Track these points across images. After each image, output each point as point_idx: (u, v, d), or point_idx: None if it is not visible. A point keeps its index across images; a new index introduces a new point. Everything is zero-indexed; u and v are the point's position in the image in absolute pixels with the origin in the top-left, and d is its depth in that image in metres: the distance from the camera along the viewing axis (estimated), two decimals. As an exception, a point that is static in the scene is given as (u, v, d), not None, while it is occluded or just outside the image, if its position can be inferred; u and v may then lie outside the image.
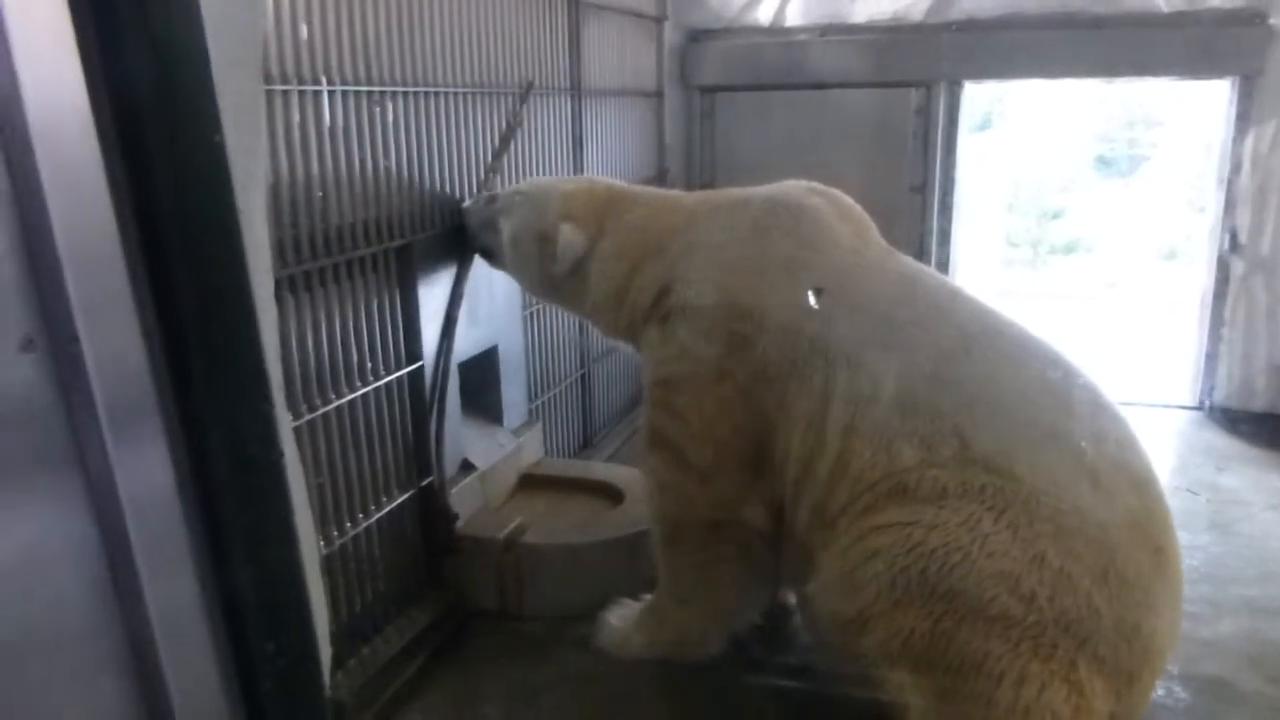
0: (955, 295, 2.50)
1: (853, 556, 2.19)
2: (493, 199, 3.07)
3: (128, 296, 0.75)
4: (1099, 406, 2.29)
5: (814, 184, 2.70)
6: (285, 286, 2.32)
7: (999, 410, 2.21)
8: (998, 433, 2.17)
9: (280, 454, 0.81)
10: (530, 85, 3.44)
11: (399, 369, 2.81)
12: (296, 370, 2.38)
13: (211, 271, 0.79)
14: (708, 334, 2.52)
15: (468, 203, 3.10)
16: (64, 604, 0.75)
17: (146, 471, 0.75)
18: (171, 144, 0.75)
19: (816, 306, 2.44)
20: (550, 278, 2.94)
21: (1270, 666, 2.74)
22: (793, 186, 2.70)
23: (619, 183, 3.11)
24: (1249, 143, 4.45)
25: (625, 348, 2.97)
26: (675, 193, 3.11)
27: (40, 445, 0.73)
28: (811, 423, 2.35)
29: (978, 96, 5.18)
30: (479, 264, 3.11)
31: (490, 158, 3.27)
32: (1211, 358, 4.75)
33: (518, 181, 3.36)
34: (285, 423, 1.02)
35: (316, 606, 0.90)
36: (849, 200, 2.71)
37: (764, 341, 2.45)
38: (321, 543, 2.48)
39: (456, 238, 3.06)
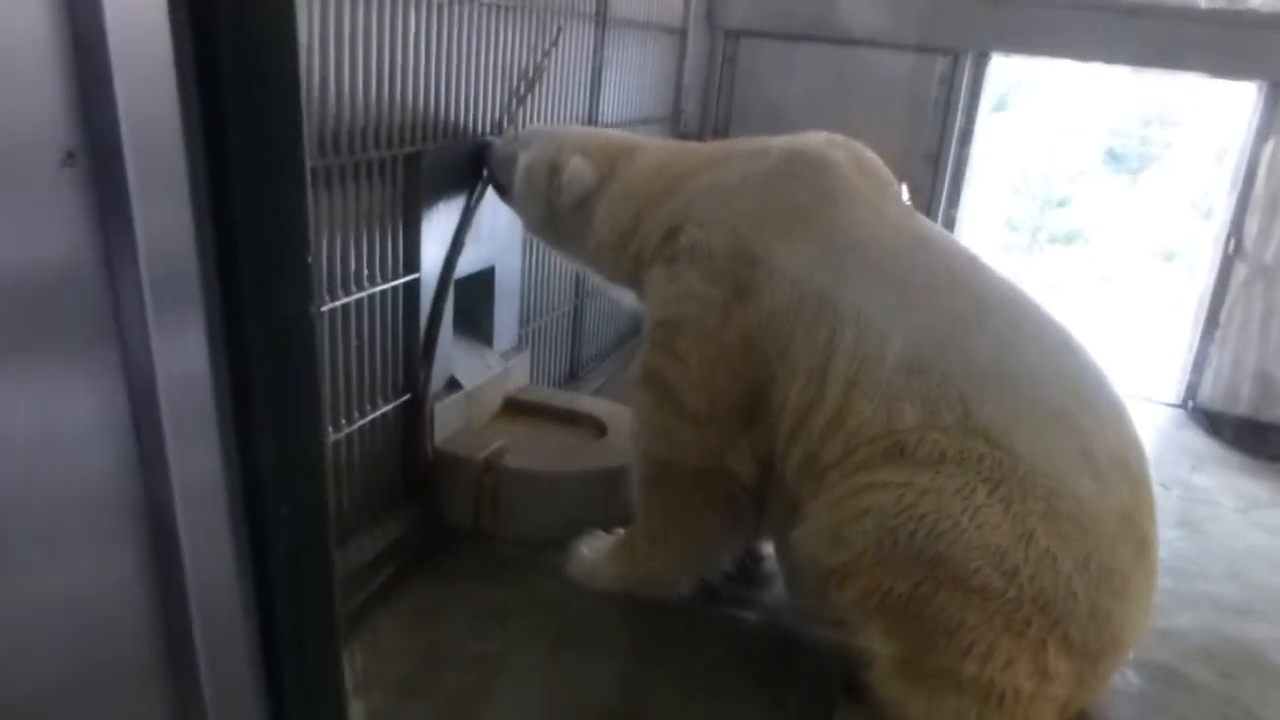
0: (973, 263, 2.47)
1: (842, 510, 2.19)
2: (515, 137, 3.05)
3: (180, 157, 0.72)
4: (1106, 395, 2.28)
5: (837, 136, 2.66)
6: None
7: (1007, 383, 2.20)
8: (1003, 405, 2.16)
9: (314, 319, 0.79)
10: (560, 30, 3.37)
11: (395, 279, 2.77)
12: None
13: (268, 133, 0.76)
14: (716, 277, 2.50)
15: (494, 140, 3.08)
16: (88, 474, 0.73)
17: (183, 336, 0.73)
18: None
19: (830, 259, 2.42)
20: (554, 213, 2.91)
21: (1222, 661, 2.80)
22: (815, 138, 2.66)
23: (641, 136, 3.11)
24: (1268, 149, 4.42)
25: (623, 295, 2.95)
26: (692, 143, 3.08)
27: (78, 306, 0.71)
28: (813, 375, 2.34)
29: (999, 74, 5.11)
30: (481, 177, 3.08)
31: (512, 91, 3.22)
32: (1200, 359, 4.77)
33: (536, 117, 3.34)
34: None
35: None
36: (872, 156, 2.66)
37: (773, 289, 2.43)
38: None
39: (469, 159, 3.02)
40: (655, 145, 2.96)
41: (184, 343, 0.74)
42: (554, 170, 2.86)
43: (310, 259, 0.79)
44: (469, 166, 3.03)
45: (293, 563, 0.77)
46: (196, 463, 0.75)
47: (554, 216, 2.93)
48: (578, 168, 2.81)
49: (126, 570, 0.73)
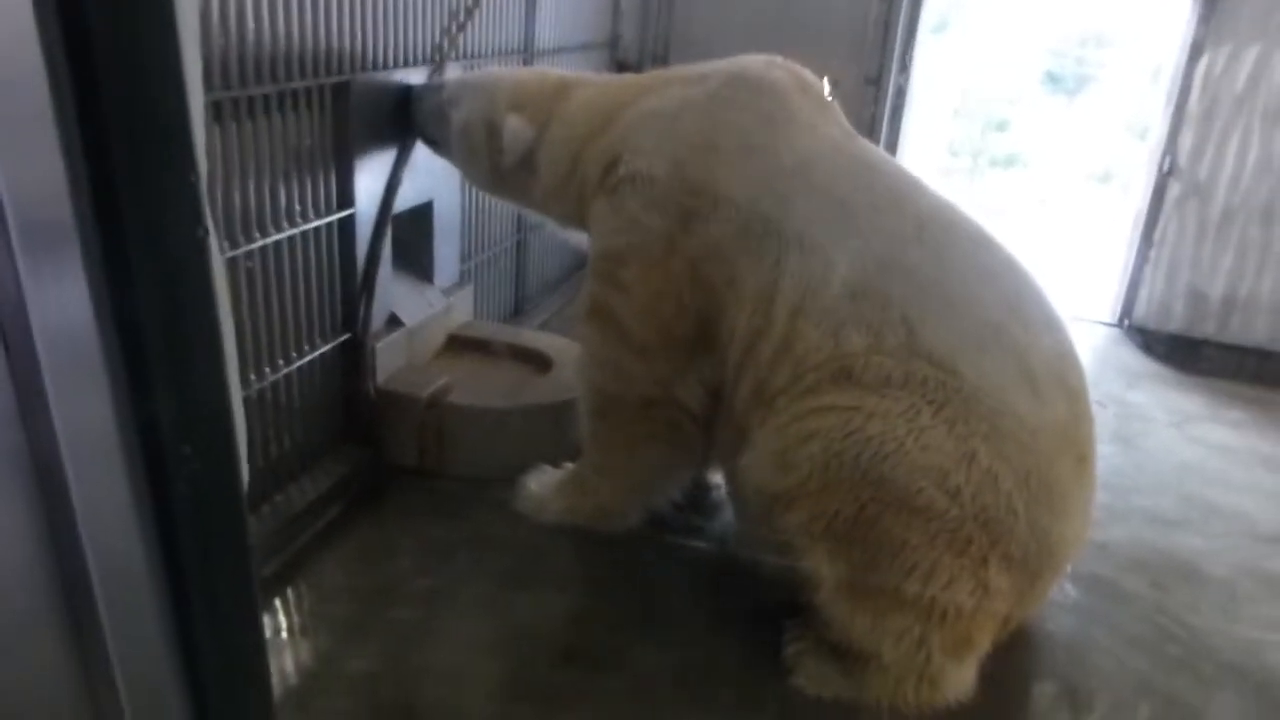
0: (915, 185, 2.46)
1: (789, 435, 2.20)
2: (440, 87, 2.93)
3: (46, 103, 0.66)
4: (1046, 314, 2.31)
5: (776, 58, 2.62)
6: (210, 114, 2.18)
7: (948, 303, 2.21)
8: (945, 326, 2.17)
9: (204, 240, 0.75)
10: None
11: (329, 214, 2.69)
12: (219, 204, 2.26)
13: (143, 75, 0.70)
14: (659, 206, 2.46)
15: (416, 88, 2.96)
16: None
17: (62, 292, 0.68)
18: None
19: (773, 184, 2.39)
20: (500, 171, 2.85)
21: (1155, 571, 2.89)
22: (754, 60, 2.61)
23: (573, 73, 3.02)
24: (1202, 65, 4.45)
25: (578, 237, 2.89)
26: (628, 75, 3.00)
27: None
28: (760, 302, 2.33)
29: (941, -6, 5.07)
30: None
31: (443, 30, 3.09)
32: (1135, 278, 4.85)
33: (470, 46, 3.22)
34: (216, 250, 0.95)
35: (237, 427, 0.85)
36: (812, 77, 2.63)
37: (716, 216, 2.40)
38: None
39: (397, 101, 2.92)
40: (589, 80, 2.88)
41: (61, 285, 0.70)
42: (492, 130, 2.79)
43: (195, 179, 0.74)
44: (399, 103, 2.93)
45: (198, 502, 0.74)
46: (83, 406, 0.71)
47: (499, 173, 2.87)
48: (514, 128, 2.75)
49: (11, 520, 0.69)
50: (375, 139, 2.82)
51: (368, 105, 2.75)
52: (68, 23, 0.68)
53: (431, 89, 2.95)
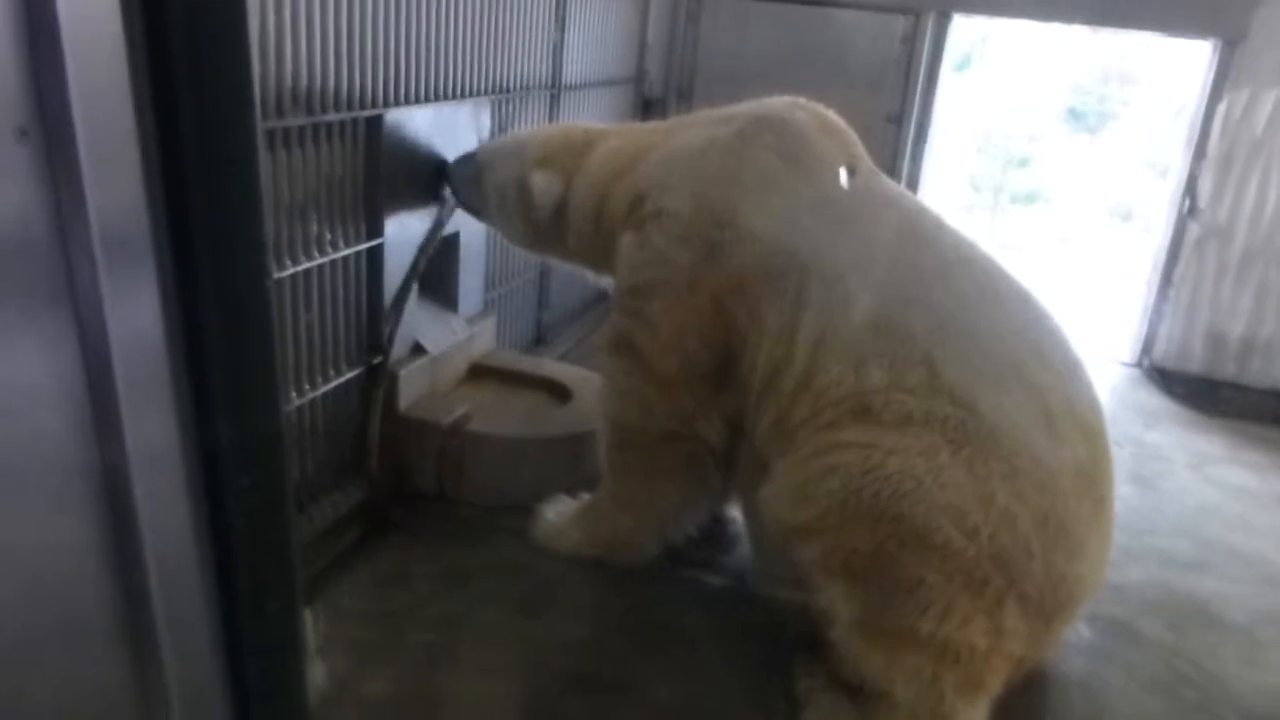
0: (937, 223, 2.50)
1: (810, 469, 2.22)
2: (473, 156, 3.04)
3: (130, 127, 0.71)
4: (1064, 352, 2.33)
5: (800, 99, 2.67)
6: (247, 144, 2.24)
7: (969, 341, 2.24)
8: (966, 365, 2.19)
9: (269, 292, 0.79)
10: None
11: (358, 244, 2.75)
12: (253, 232, 2.32)
13: (218, 99, 0.75)
14: (684, 240, 2.50)
15: (450, 163, 3.07)
16: (43, 438, 0.73)
17: (137, 303, 0.73)
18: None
19: (797, 219, 2.43)
20: (538, 228, 2.92)
21: (1171, 614, 2.88)
22: (778, 102, 2.67)
23: (599, 125, 3.10)
24: (1222, 108, 4.47)
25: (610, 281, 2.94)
26: (652, 123, 3.08)
27: (32, 273, 0.70)
28: (782, 335, 2.36)
29: (962, 34, 5.11)
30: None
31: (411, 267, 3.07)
32: (1155, 318, 4.85)
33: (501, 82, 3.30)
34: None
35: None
36: (836, 118, 2.67)
37: (741, 251, 2.44)
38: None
39: (437, 170, 3.05)
40: (616, 131, 2.97)
41: (137, 310, 0.74)
42: (524, 189, 2.87)
43: (264, 233, 0.78)
44: (436, 174, 3.02)
45: (253, 532, 0.78)
46: (153, 429, 0.75)
47: (537, 230, 2.94)
48: (542, 184, 2.82)
49: (82, 534, 0.73)
50: (405, 171, 2.88)
51: (399, 138, 2.81)
52: (154, 57, 0.73)
53: (465, 160, 3.05)
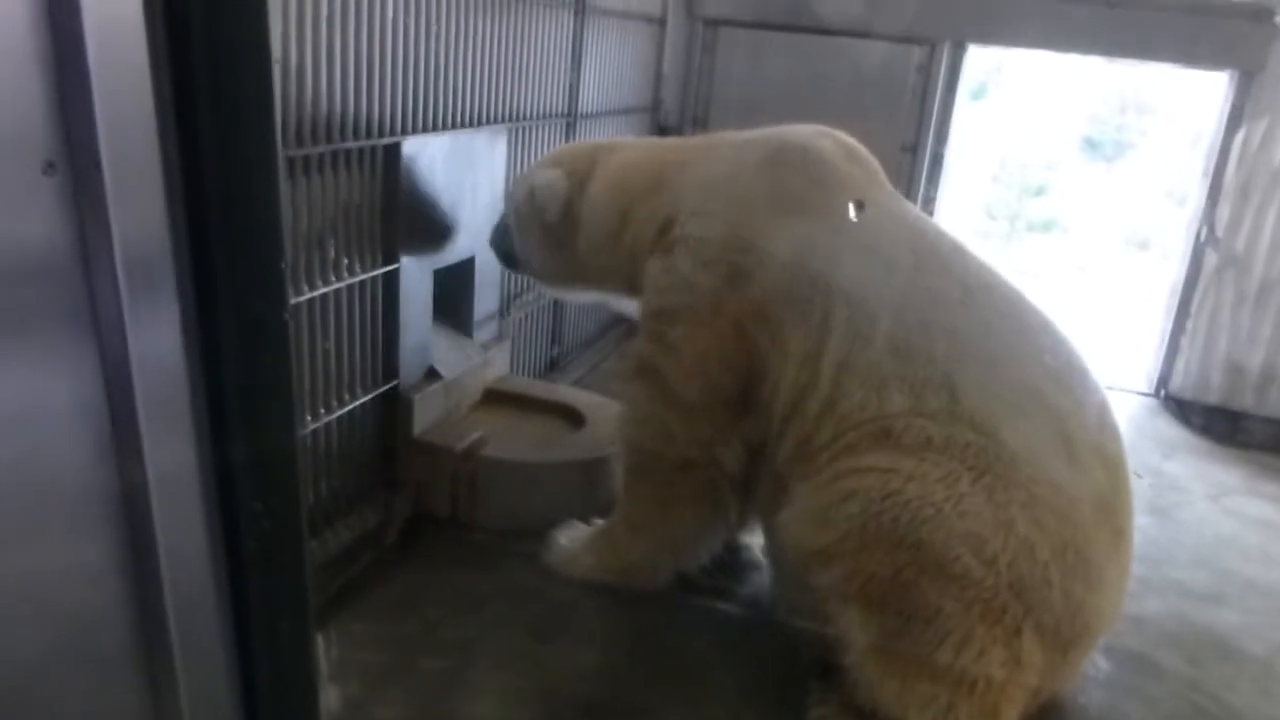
0: (958, 249, 2.51)
1: (829, 493, 2.22)
2: (503, 215, 3.15)
3: (155, 157, 0.73)
4: (1086, 383, 2.32)
5: (823, 127, 2.70)
6: (267, 171, 2.27)
7: (990, 367, 2.24)
8: (986, 390, 2.19)
9: (287, 322, 0.80)
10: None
11: (374, 269, 2.77)
12: (272, 257, 2.34)
13: (240, 128, 0.76)
14: (710, 265, 2.51)
15: (490, 234, 3.20)
16: (65, 459, 0.74)
17: (158, 329, 0.74)
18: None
19: (822, 244, 2.44)
20: (553, 239, 2.93)
21: (1190, 647, 2.85)
22: (802, 128, 2.70)
23: (614, 138, 3.16)
24: (1239, 138, 4.47)
25: (628, 304, 2.95)
26: (670, 139, 3.11)
27: (56, 298, 0.72)
28: (807, 359, 2.36)
29: (977, 62, 5.14)
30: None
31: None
32: (1172, 348, 4.83)
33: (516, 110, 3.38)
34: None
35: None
36: (858, 145, 2.70)
37: (765, 275, 2.45)
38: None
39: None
40: (632, 142, 3.01)
41: (158, 334, 0.75)
42: (531, 191, 2.91)
43: (283, 260, 0.80)
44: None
45: (266, 556, 0.79)
46: (171, 452, 0.76)
47: (554, 243, 2.94)
48: (545, 179, 2.87)
49: (102, 557, 0.75)
50: (422, 198, 2.91)
51: (416, 165, 2.84)
52: (178, 83, 0.75)
53: (499, 226, 3.15)
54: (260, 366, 0.79)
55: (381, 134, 2.70)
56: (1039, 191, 12.01)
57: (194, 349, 0.74)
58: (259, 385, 0.79)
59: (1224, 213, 4.57)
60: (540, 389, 3.64)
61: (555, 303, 4.25)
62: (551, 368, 4.30)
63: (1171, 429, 4.62)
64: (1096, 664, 2.67)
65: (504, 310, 3.72)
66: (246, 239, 0.78)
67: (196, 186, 0.73)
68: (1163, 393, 4.89)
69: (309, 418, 2.61)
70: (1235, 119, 4.49)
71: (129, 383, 0.72)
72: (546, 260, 3.04)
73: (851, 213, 2.50)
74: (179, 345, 0.74)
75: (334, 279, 2.61)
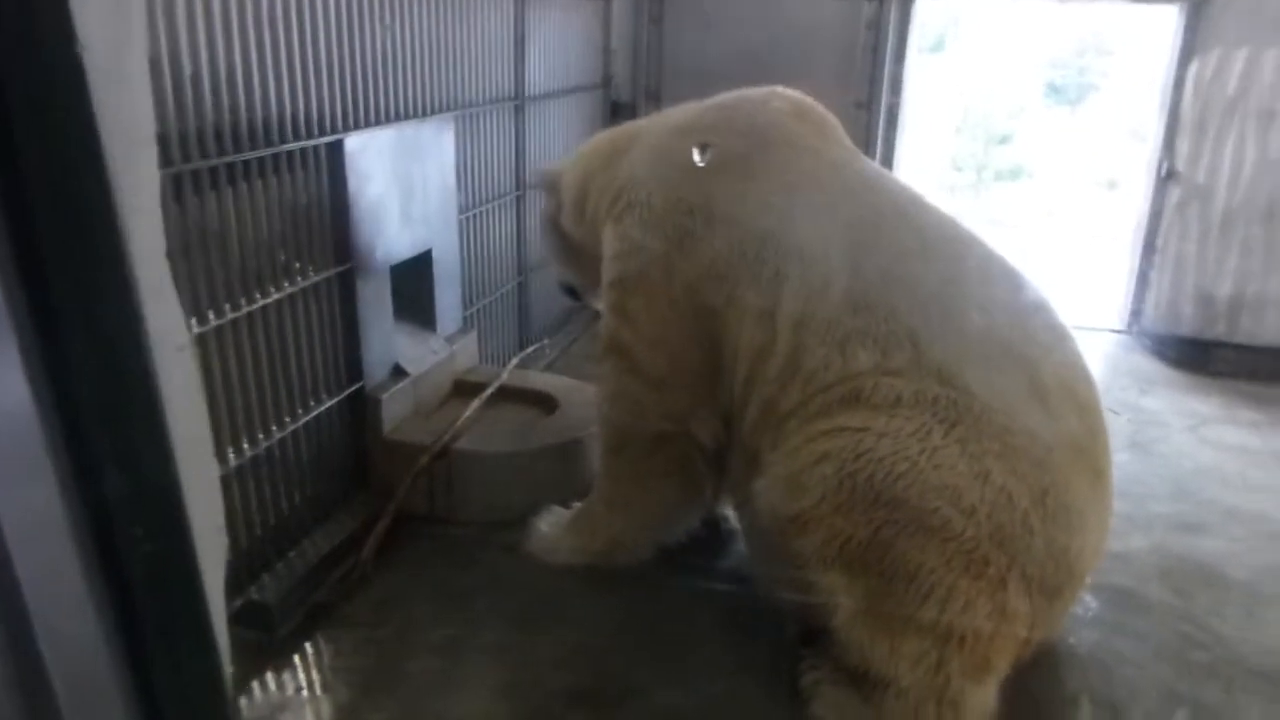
0: (917, 202, 2.49)
1: (801, 457, 2.19)
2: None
3: None
4: (1051, 326, 2.30)
5: (777, 88, 2.68)
6: (205, 181, 2.23)
7: (954, 317, 2.21)
8: (952, 342, 2.17)
9: (146, 350, 0.76)
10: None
11: (327, 270, 2.73)
12: (217, 270, 2.30)
13: (64, 158, 0.71)
14: (657, 229, 2.51)
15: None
16: None
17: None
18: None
19: (769, 201, 2.43)
20: (559, 231, 3.06)
21: (1176, 578, 2.86)
22: (754, 91, 2.69)
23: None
24: (1192, 70, 4.46)
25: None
26: (644, 119, 3.16)
27: None
28: (762, 316, 2.34)
29: (933, 16, 5.11)
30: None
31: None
32: (1142, 284, 4.84)
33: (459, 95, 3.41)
34: (177, 327, 0.96)
35: (201, 498, 0.86)
36: (812, 103, 2.68)
37: (713, 237, 2.44)
38: (244, 446, 2.44)
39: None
40: (613, 128, 3.07)
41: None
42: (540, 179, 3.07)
43: (134, 290, 0.75)
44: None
45: (156, 583, 0.75)
46: (27, 496, 0.71)
47: (559, 232, 3.05)
48: (546, 165, 3.03)
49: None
50: (370, 194, 2.86)
51: (361, 162, 2.79)
52: None
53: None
54: (122, 395, 0.75)
55: (322, 132, 2.65)
56: (1004, 140, 12.02)
57: (39, 380, 0.70)
58: (121, 406, 0.75)
59: (1183, 146, 4.56)
60: (510, 377, 3.60)
61: (519, 290, 4.21)
62: (520, 354, 4.26)
63: (1146, 364, 4.64)
64: (1086, 603, 2.68)
65: (467, 301, 3.68)
66: (85, 270, 0.72)
67: (22, 222, 0.68)
68: (1135, 328, 4.90)
69: (274, 427, 2.57)
70: (1187, 51, 4.48)
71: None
72: (559, 250, 3.13)
73: (817, 161, 2.50)
74: (25, 393, 0.69)
75: (286, 284, 2.57)
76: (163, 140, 2.09)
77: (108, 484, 0.71)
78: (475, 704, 2.28)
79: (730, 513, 2.95)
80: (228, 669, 0.89)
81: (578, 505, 2.90)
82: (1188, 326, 4.70)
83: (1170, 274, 4.71)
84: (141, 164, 0.83)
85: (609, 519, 2.77)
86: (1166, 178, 4.63)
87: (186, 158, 2.17)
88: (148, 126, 0.89)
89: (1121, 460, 3.56)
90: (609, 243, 2.65)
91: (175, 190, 2.13)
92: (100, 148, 0.72)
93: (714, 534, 2.99)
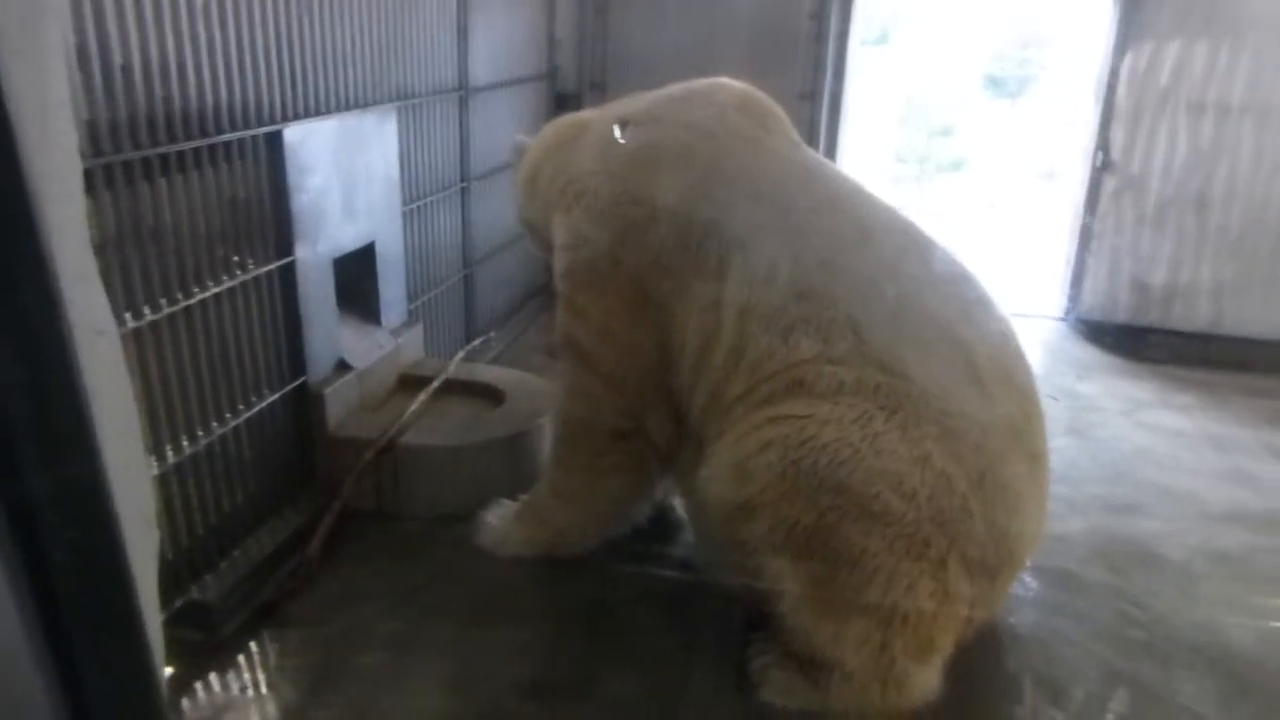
0: (857, 191, 2.52)
1: (746, 445, 2.21)
2: None
3: None
4: (989, 312, 2.34)
5: (722, 79, 2.69)
6: (138, 172, 2.17)
7: (893, 305, 2.24)
8: (891, 329, 2.20)
9: (67, 341, 0.73)
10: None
11: (268, 263, 2.69)
12: (153, 263, 2.25)
13: None
14: (601, 219, 2.52)
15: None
16: None
17: None
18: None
19: (711, 191, 2.44)
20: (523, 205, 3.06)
21: (1113, 558, 2.93)
22: (699, 83, 2.70)
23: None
24: (1127, 63, 4.56)
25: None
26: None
27: None
28: (708, 304, 2.36)
29: (877, 9, 5.15)
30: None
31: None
32: (1079, 272, 4.94)
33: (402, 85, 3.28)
34: (101, 313, 0.94)
35: (131, 489, 0.84)
36: (757, 94, 2.70)
37: (657, 228, 2.45)
38: (184, 443, 2.40)
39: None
40: (563, 118, 3.06)
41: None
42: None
43: (50, 282, 0.73)
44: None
45: (81, 576, 0.73)
46: None
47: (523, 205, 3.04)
48: (515, 140, 3.07)
49: None
50: (311, 185, 2.82)
51: (301, 153, 2.75)
52: None
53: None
54: (37, 371, 0.73)
55: (260, 123, 2.61)
56: (946, 132, 12.20)
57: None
58: (40, 401, 0.72)
59: (1118, 136, 4.67)
60: (457, 370, 3.57)
61: (466, 281, 4.18)
62: (467, 347, 4.24)
63: (1083, 350, 4.74)
64: (1026, 584, 2.74)
65: (413, 294, 3.64)
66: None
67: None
68: (1073, 316, 5.00)
69: (214, 423, 2.53)
70: (1122, 44, 4.57)
71: None
72: (526, 220, 3.08)
73: (759, 152, 2.51)
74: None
75: (225, 278, 2.52)
76: (92, 129, 2.05)
77: (27, 471, 0.69)
78: (426, 699, 2.26)
79: (678, 501, 2.96)
80: (162, 668, 0.87)
81: (524, 498, 2.89)
82: (1123, 313, 4.82)
83: (1106, 262, 4.82)
84: (60, 147, 0.80)
85: (555, 510, 2.77)
86: (1102, 168, 4.73)
87: (118, 148, 2.11)
88: (66, 109, 0.87)
89: (1059, 445, 3.64)
90: (559, 232, 2.66)
91: (107, 181, 2.08)
92: (9, 126, 0.70)
93: (662, 522, 3.00)
